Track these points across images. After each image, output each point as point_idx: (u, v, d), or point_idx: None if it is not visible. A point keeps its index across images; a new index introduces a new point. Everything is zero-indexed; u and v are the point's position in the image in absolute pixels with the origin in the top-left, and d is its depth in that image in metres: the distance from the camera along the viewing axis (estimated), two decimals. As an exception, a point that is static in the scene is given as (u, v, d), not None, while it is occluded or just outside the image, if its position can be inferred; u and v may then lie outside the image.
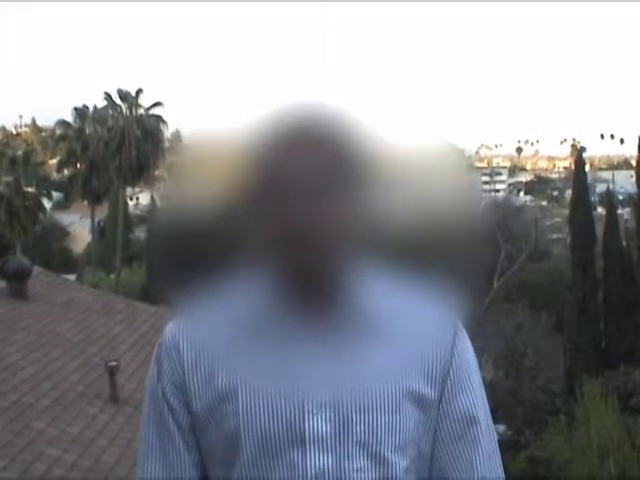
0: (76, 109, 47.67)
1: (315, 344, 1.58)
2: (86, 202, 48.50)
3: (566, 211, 38.77)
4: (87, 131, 46.87)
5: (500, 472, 1.68)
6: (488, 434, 1.68)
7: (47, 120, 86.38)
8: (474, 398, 1.66)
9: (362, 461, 1.56)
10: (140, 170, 44.86)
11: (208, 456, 1.64)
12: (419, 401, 1.61)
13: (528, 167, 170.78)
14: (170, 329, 1.67)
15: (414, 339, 1.63)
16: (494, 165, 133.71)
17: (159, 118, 46.38)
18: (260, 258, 1.59)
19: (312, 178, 1.51)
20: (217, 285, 1.65)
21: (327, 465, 1.55)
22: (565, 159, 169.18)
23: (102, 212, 52.14)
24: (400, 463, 1.59)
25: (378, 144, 1.61)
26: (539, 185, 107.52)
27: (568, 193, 49.65)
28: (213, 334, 1.63)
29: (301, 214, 1.51)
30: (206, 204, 1.71)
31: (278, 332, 1.60)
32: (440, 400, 1.64)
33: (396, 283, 1.66)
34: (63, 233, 56.35)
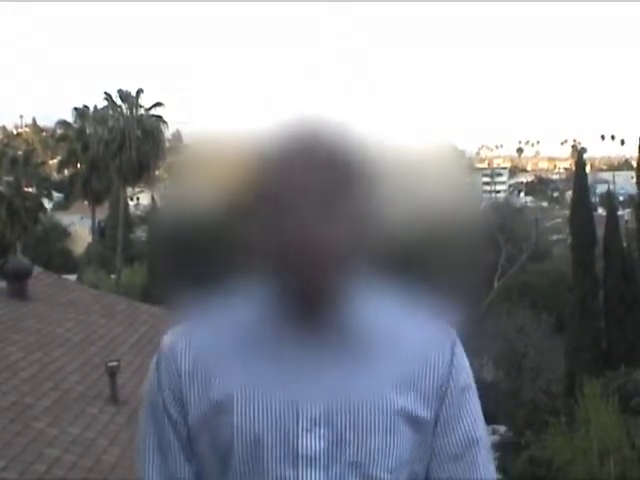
0: (76, 109, 47.64)
1: (310, 360, 1.57)
2: (86, 202, 48.45)
3: (567, 212, 38.73)
4: (87, 131, 46.82)
5: None
6: (486, 454, 1.66)
7: (48, 120, 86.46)
8: (473, 419, 1.64)
9: None
10: (140, 170, 44.83)
11: (201, 467, 1.63)
12: (413, 422, 1.59)
13: (529, 168, 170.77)
14: (168, 338, 1.66)
15: (410, 358, 1.60)
16: (495, 166, 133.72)
17: (159, 118, 46.35)
18: (257, 270, 1.58)
19: (312, 194, 1.49)
20: (216, 287, 1.64)
21: None
22: (566, 160, 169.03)
23: (102, 212, 52.11)
24: None
25: (380, 158, 1.59)
26: (540, 186, 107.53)
27: (569, 194, 49.62)
28: (210, 344, 1.62)
29: (300, 230, 1.49)
30: (204, 207, 1.70)
31: (274, 346, 1.58)
32: (437, 422, 1.62)
33: (393, 298, 1.64)
34: (64, 233, 56.30)
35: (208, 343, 1.62)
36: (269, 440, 1.55)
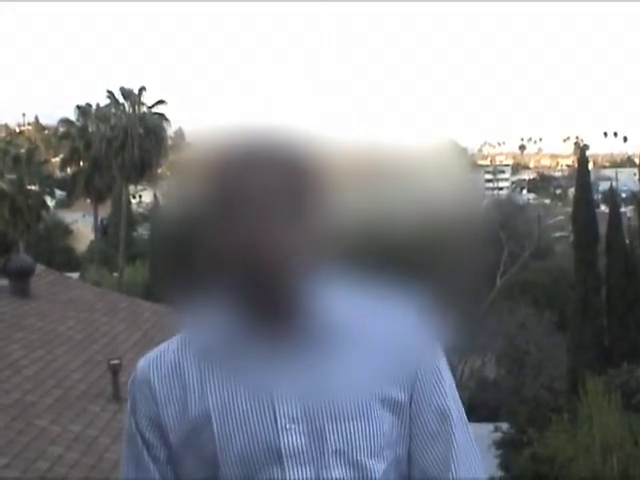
0: (79, 107, 47.63)
1: (281, 360, 1.60)
2: (89, 200, 48.45)
3: (569, 209, 38.72)
4: (90, 129, 46.82)
5: (478, 470, 1.69)
6: (463, 431, 1.68)
7: (50, 118, 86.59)
8: (445, 398, 1.67)
9: (340, 470, 1.59)
10: (143, 168, 44.82)
11: None
12: (390, 404, 1.62)
13: (531, 165, 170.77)
14: (141, 364, 1.69)
15: (381, 348, 1.63)
16: (497, 163, 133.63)
17: (162, 116, 46.32)
18: (218, 275, 1.59)
19: (266, 198, 1.52)
20: (213, 289, 1.64)
21: (306, 478, 1.58)
22: (568, 157, 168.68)
23: (105, 210, 52.11)
24: (377, 467, 1.61)
25: (344, 161, 1.61)
26: (542, 183, 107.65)
27: (571, 191, 49.64)
28: (182, 363, 1.65)
29: (252, 233, 1.51)
30: (194, 207, 1.70)
31: (243, 353, 1.61)
32: (411, 403, 1.65)
33: (371, 295, 1.66)
34: (66, 231, 56.33)
35: (179, 363, 1.65)
36: (252, 447, 1.58)
